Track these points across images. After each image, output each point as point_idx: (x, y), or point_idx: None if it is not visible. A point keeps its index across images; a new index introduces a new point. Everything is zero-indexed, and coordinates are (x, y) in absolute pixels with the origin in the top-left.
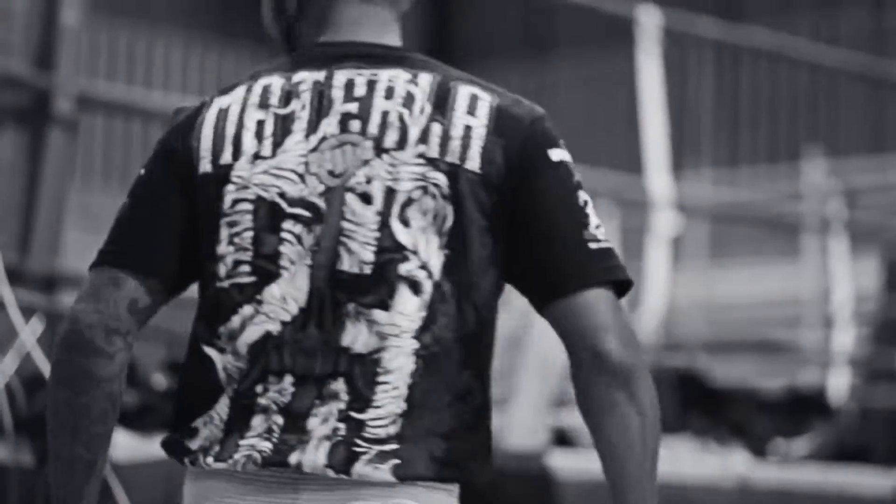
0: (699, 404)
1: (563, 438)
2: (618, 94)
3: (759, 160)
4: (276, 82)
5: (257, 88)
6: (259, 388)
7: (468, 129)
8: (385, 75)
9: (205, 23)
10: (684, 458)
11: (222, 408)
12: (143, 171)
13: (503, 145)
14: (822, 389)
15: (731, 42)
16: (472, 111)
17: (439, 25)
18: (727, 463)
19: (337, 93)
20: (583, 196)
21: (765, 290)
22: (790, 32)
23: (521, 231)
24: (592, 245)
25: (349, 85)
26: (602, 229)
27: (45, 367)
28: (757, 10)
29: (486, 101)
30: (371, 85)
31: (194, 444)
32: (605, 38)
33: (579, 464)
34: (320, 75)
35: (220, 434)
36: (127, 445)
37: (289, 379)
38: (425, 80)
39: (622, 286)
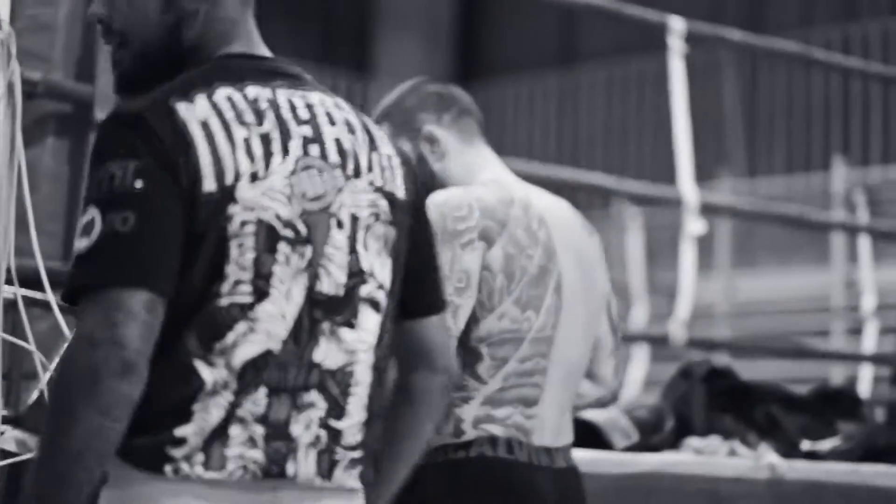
0: (729, 403)
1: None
2: (642, 102)
3: (780, 170)
4: (235, 96)
5: (222, 101)
6: (237, 400)
7: (390, 157)
8: (314, 98)
9: None
10: (715, 455)
11: (203, 418)
12: (137, 184)
13: (407, 172)
14: (851, 389)
15: (760, 48)
16: (383, 139)
17: (467, 36)
18: (758, 457)
19: (287, 114)
20: None
21: (792, 294)
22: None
23: (414, 252)
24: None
25: (293, 106)
26: None
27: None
28: (779, 22)
29: (378, 128)
30: (310, 108)
31: (178, 453)
32: (631, 46)
33: (602, 458)
34: (267, 93)
35: (201, 444)
36: None
37: (263, 390)
38: (343, 105)
39: None
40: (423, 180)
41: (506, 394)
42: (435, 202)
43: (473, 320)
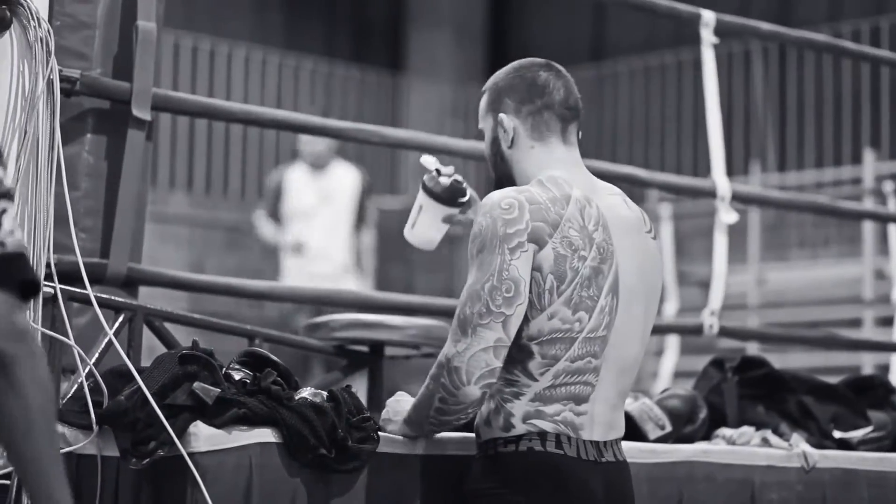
0: (761, 393)
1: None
2: (672, 95)
3: (810, 163)
4: None
5: None
6: None
7: None
8: None
9: (271, 38)
10: (748, 444)
11: None
12: None
13: None
14: (882, 378)
15: (790, 39)
16: None
17: (499, 32)
18: (790, 447)
19: None
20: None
21: (823, 285)
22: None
23: None
24: None
25: None
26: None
27: (126, 364)
28: (808, 17)
29: None
30: None
31: None
32: (661, 40)
33: (635, 449)
34: None
35: None
36: (206, 436)
37: None
38: None
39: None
40: (494, 160)
41: (556, 391)
42: (487, 205)
43: (524, 319)
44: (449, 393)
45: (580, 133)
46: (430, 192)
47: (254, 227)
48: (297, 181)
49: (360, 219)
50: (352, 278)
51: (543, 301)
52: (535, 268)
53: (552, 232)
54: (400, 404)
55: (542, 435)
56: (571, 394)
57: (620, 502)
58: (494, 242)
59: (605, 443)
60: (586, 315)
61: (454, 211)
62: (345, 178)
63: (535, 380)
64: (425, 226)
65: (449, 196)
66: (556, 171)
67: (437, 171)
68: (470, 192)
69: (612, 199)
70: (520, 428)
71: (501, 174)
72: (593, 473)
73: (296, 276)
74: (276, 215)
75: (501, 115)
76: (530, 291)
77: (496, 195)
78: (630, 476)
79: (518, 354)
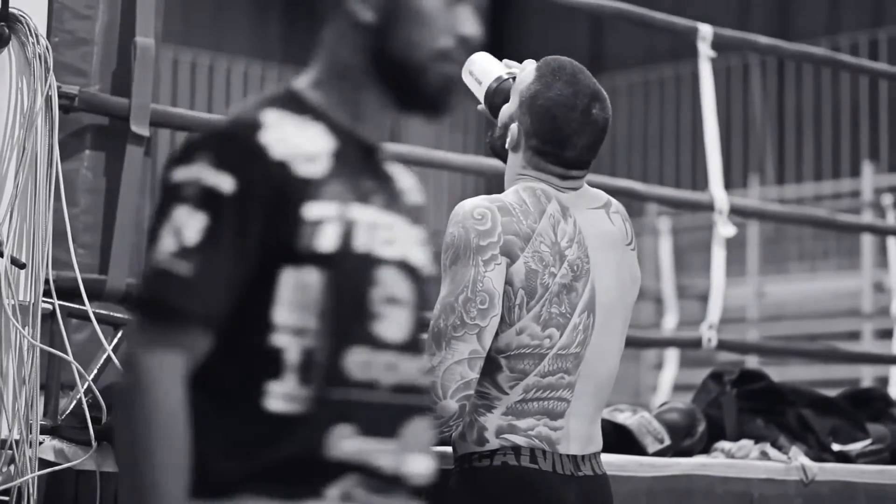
0: (760, 406)
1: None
2: (670, 109)
3: (809, 176)
4: None
5: None
6: None
7: None
8: None
9: (269, 53)
10: (747, 458)
11: None
12: None
13: None
14: (881, 391)
15: (788, 53)
16: None
17: (497, 45)
18: (789, 460)
19: None
20: None
21: (821, 298)
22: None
23: None
24: None
25: None
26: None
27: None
28: (805, 30)
29: None
30: None
31: None
32: (659, 54)
33: (634, 462)
34: None
35: None
36: None
37: None
38: None
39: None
40: (502, 132)
41: (528, 405)
42: (459, 214)
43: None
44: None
45: None
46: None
47: None
48: None
49: None
50: None
51: (513, 316)
52: (507, 282)
53: (524, 245)
54: None
55: (517, 449)
56: (545, 409)
57: None
58: (468, 254)
59: (582, 457)
60: (557, 332)
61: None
62: None
63: (506, 393)
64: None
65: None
66: (537, 183)
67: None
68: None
69: (593, 214)
70: (493, 442)
71: (497, 149)
72: (570, 487)
73: None
74: None
75: (513, 127)
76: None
77: (468, 204)
78: (609, 489)
79: (488, 366)
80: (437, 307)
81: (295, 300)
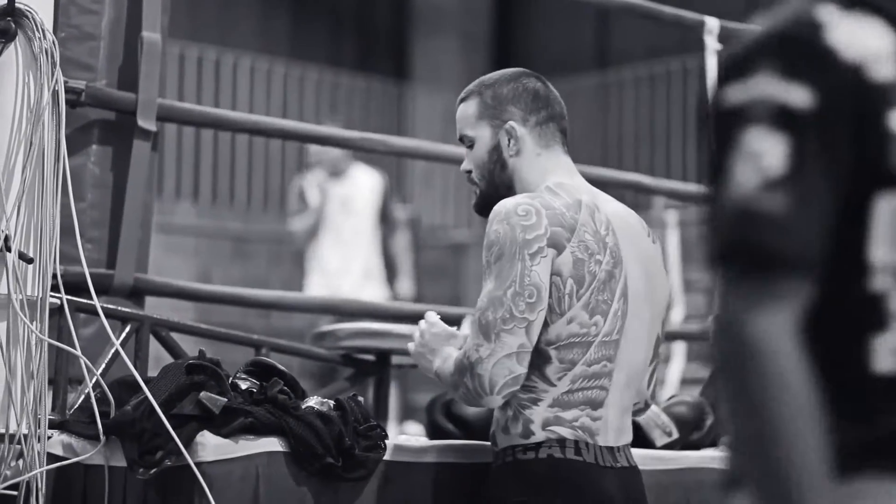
0: None
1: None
2: (676, 103)
3: None
4: None
5: None
6: None
7: None
8: None
9: (276, 48)
10: None
11: None
12: None
13: None
14: None
15: None
16: None
17: (504, 39)
18: None
19: None
20: None
21: None
22: None
23: None
24: None
25: None
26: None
27: (133, 374)
28: None
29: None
30: None
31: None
32: (665, 47)
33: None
34: None
35: None
36: (212, 446)
37: None
38: None
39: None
40: (492, 169)
41: (573, 396)
42: (502, 212)
43: (543, 324)
44: (472, 395)
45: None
46: None
47: (293, 236)
48: (316, 187)
49: (385, 222)
50: (376, 284)
51: (563, 305)
52: (555, 272)
53: (570, 236)
54: (434, 340)
55: (562, 442)
56: (588, 398)
57: None
58: (514, 249)
59: (618, 448)
60: (602, 319)
61: None
62: (365, 183)
63: (553, 385)
64: None
65: None
66: (562, 178)
67: None
68: None
69: (615, 206)
70: (539, 435)
71: (500, 182)
72: (610, 479)
73: (317, 282)
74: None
75: (512, 124)
76: (550, 296)
77: (509, 202)
78: (642, 481)
79: (536, 360)
80: (484, 300)
81: (893, 233)
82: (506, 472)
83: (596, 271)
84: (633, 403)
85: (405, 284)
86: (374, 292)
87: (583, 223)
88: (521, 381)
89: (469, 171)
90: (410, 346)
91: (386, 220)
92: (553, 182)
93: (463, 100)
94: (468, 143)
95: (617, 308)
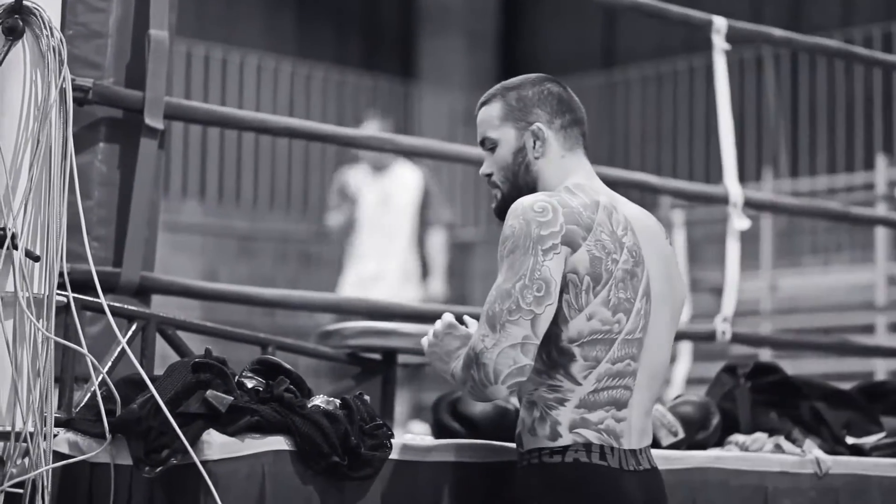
0: (774, 399)
1: None
2: (683, 102)
3: (822, 169)
4: None
5: None
6: None
7: None
8: None
9: (283, 47)
10: (761, 450)
11: None
12: None
13: None
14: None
15: (802, 45)
16: None
17: (510, 39)
18: (803, 453)
19: None
20: None
21: (835, 291)
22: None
23: None
24: None
25: None
26: None
27: (139, 372)
28: (818, 23)
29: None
30: None
31: None
32: (672, 47)
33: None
34: None
35: None
36: (218, 444)
37: None
38: None
39: None
40: (517, 170)
41: (599, 396)
42: (519, 208)
43: (563, 321)
44: (477, 387)
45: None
46: None
47: (329, 231)
48: (358, 182)
49: (423, 220)
50: (412, 286)
51: (581, 301)
52: (571, 269)
53: (586, 235)
54: (452, 344)
55: (588, 446)
56: (612, 398)
57: None
58: (528, 244)
59: (640, 450)
60: (625, 317)
61: None
62: (406, 180)
63: (579, 384)
64: None
65: None
66: (581, 180)
67: None
68: None
69: (632, 207)
70: (566, 438)
71: (524, 184)
72: (634, 483)
73: (353, 279)
74: (349, 222)
75: (539, 125)
76: (567, 292)
77: (527, 199)
78: (663, 484)
79: (560, 358)
80: (493, 293)
81: None
82: (531, 474)
83: (613, 269)
84: (654, 405)
85: (437, 285)
86: (411, 294)
87: (599, 223)
88: (527, 372)
89: (489, 175)
90: (425, 344)
91: (425, 218)
92: (572, 183)
93: (485, 103)
94: (490, 145)
95: (640, 307)
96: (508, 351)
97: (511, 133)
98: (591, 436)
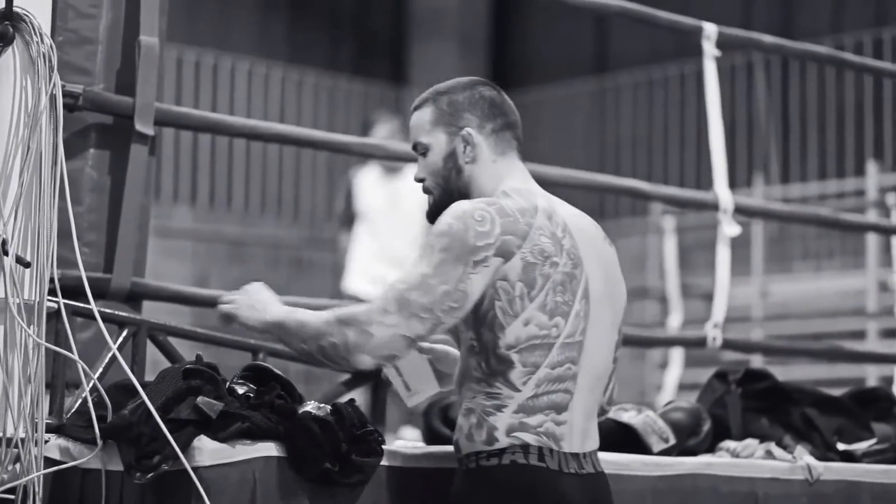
0: (765, 405)
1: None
2: (674, 108)
3: (813, 175)
4: None
5: None
6: None
7: None
8: None
9: (274, 52)
10: (752, 457)
11: None
12: None
13: None
14: (886, 391)
15: (792, 52)
16: None
17: (502, 44)
18: (794, 459)
19: None
20: None
21: (826, 297)
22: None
23: None
24: None
25: None
26: None
27: (130, 378)
28: (809, 29)
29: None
30: None
31: None
32: (663, 53)
33: (639, 461)
34: None
35: None
36: (209, 450)
37: None
38: None
39: None
40: (448, 175)
41: (538, 400)
42: (459, 210)
43: (499, 328)
44: (346, 348)
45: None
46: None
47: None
48: (368, 183)
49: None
50: None
51: (516, 307)
52: (502, 277)
53: (521, 243)
54: (263, 295)
55: (525, 448)
56: (552, 402)
57: None
58: (463, 251)
59: (584, 454)
60: (563, 320)
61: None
62: (416, 183)
63: (518, 390)
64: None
65: None
66: (517, 183)
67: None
68: None
69: (569, 209)
70: (503, 441)
71: (455, 189)
72: (575, 486)
73: (360, 279)
74: (350, 220)
75: (469, 130)
76: (499, 299)
77: (468, 204)
78: (609, 488)
79: (499, 366)
80: (416, 278)
81: None
82: (469, 478)
83: (550, 273)
84: (597, 408)
85: None
86: None
87: (539, 226)
88: (395, 362)
89: (422, 180)
90: (230, 300)
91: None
92: (509, 187)
93: (417, 107)
94: (422, 150)
95: (579, 309)
96: (401, 339)
97: (442, 138)
98: (528, 438)
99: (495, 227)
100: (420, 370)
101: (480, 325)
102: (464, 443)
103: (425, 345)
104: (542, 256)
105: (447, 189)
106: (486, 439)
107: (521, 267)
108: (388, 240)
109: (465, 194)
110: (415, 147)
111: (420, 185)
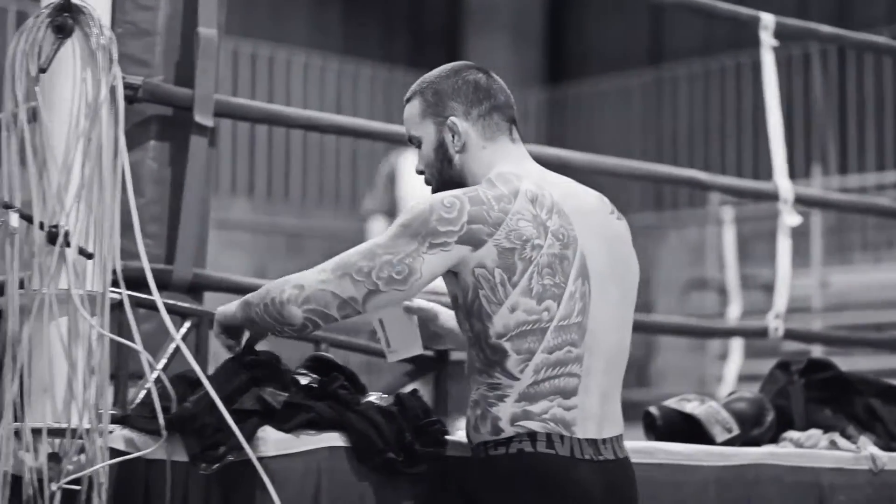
0: (828, 396)
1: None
2: (730, 99)
3: (871, 166)
4: None
5: None
6: None
7: None
8: None
9: (329, 44)
10: (815, 447)
11: None
12: None
13: None
14: None
15: (850, 41)
16: None
17: (557, 35)
18: (858, 449)
19: None
20: None
21: (885, 287)
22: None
23: None
24: None
25: None
26: None
27: (194, 368)
28: (865, 19)
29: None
30: None
31: None
32: (718, 43)
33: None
34: None
35: None
36: (274, 441)
37: None
38: None
39: None
40: (440, 167)
41: (540, 387)
42: (431, 196)
43: (486, 317)
44: (280, 301)
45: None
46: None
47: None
48: (409, 168)
49: None
50: None
51: (499, 294)
52: (478, 265)
53: (493, 231)
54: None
55: (532, 436)
56: (557, 387)
57: (620, 502)
58: (421, 231)
59: (603, 440)
60: (554, 303)
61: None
62: None
63: (517, 378)
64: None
65: None
66: (506, 167)
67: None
68: None
69: (567, 187)
70: (508, 431)
71: (449, 179)
72: (589, 473)
73: None
74: (390, 207)
75: (453, 119)
76: (482, 287)
77: (442, 193)
78: (633, 475)
79: (493, 356)
80: (366, 245)
81: None
82: (479, 468)
83: (532, 256)
84: (618, 390)
85: None
86: None
87: (516, 211)
88: (325, 322)
89: (422, 172)
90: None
91: None
92: (494, 174)
93: (408, 100)
94: (416, 142)
95: (574, 290)
96: (330, 295)
97: (431, 129)
98: (534, 426)
99: (462, 216)
100: (404, 329)
101: (471, 317)
102: (472, 434)
103: (415, 303)
104: (521, 240)
105: (442, 179)
106: (492, 430)
107: (497, 253)
108: None
109: (459, 183)
110: (410, 140)
111: (424, 177)
